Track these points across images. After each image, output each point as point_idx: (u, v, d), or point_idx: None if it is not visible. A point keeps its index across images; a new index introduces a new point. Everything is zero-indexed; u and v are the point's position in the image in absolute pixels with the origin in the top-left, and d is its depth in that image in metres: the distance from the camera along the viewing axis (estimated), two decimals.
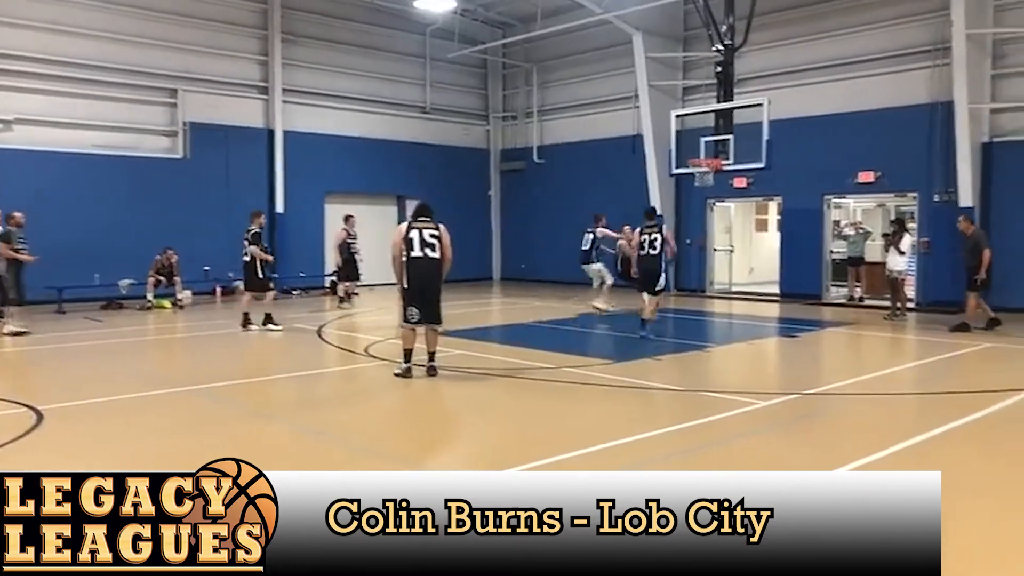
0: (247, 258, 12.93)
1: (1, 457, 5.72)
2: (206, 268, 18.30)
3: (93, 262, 16.68)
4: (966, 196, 14.96)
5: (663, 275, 11.85)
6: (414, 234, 8.49)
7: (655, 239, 11.60)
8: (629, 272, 13.46)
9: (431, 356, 8.68)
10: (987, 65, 15.24)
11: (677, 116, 15.31)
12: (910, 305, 15.00)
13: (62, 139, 17.03)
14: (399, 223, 13.01)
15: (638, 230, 11.97)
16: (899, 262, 14.01)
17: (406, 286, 8.49)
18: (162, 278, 16.30)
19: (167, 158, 18.47)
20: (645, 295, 11.63)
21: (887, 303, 14.59)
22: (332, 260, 17.49)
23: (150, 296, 16.10)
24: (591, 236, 15.79)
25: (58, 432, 6.44)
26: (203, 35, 18.93)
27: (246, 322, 12.62)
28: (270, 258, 13.26)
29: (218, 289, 18.35)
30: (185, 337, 13.10)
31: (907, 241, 14.12)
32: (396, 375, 8.57)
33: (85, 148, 17.24)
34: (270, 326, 12.44)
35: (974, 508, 4.67)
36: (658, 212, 14.52)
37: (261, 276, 12.84)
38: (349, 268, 16.65)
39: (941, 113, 15.35)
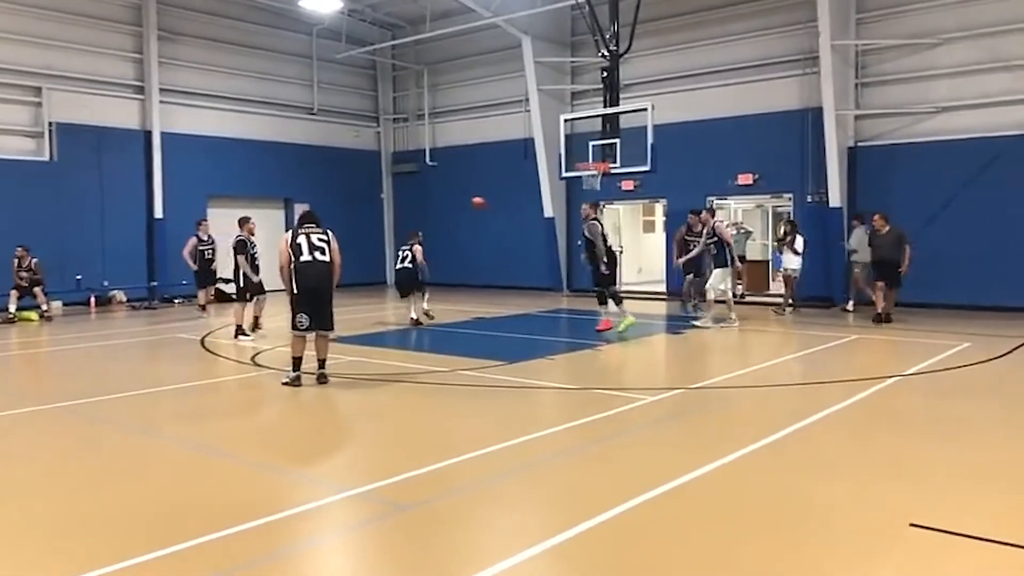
0: (235, 266, 12.26)
1: None
2: (78, 277, 17.26)
3: None
4: (835, 197, 15.90)
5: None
6: (302, 239, 8.28)
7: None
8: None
9: (321, 363, 8.47)
10: (851, 74, 16.25)
11: (566, 120, 15.54)
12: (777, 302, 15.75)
13: None
14: (286, 227, 12.60)
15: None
16: (794, 261, 14.81)
17: (295, 292, 8.25)
18: (27, 286, 15.16)
19: (32, 160, 17.29)
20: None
21: (768, 300, 15.33)
22: (189, 266, 16.23)
23: (12, 308, 14.99)
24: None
25: None
26: (70, 30, 17.84)
27: (254, 327, 12.48)
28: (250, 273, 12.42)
29: (92, 299, 17.32)
30: (53, 351, 12.26)
31: (800, 241, 14.92)
32: (284, 384, 8.33)
33: None
34: (240, 337, 11.96)
35: (841, 490, 4.94)
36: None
37: (243, 285, 12.20)
38: (206, 275, 15.51)
39: (812, 118, 16.26)
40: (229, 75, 20.54)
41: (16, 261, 15.25)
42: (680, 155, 16.83)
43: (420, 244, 14.00)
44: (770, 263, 18.84)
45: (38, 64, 17.36)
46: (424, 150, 23.32)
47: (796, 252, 14.86)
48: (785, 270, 15.07)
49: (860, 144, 16.31)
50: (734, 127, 17.44)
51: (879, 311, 13.27)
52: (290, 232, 8.51)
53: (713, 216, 13.58)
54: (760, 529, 4.33)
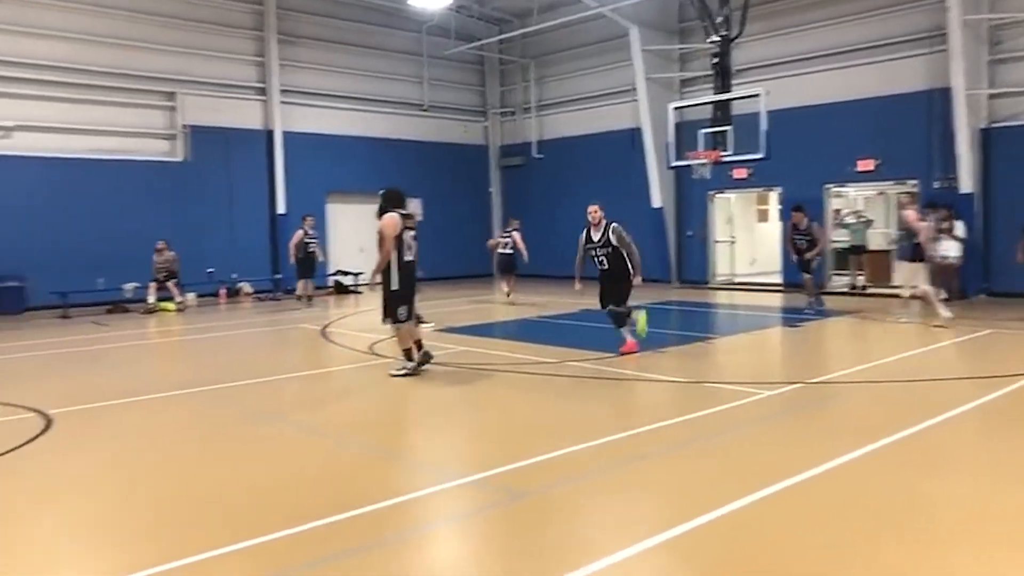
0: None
1: (12, 462, 5.77)
2: (209, 270, 18.36)
3: (97, 266, 16.76)
4: (967, 182, 14.98)
5: None
6: (407, 236, 8.58)
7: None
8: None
9: (419, 344, 8.79)
10: (984, 51, 15.23)
11: (675, 108, 15.29)
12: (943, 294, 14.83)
13: (62, 145, 17.09)
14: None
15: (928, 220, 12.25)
16: (955, 248, 13.93)
17: (396, 287, 8.53)
18: (166, 282, 16.31)
19: (167, 161, 18.51)
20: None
21: (891, 292, 14.55)
22: (291, 259, 17.39)
23: (151, 299, 16.14)
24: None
25: (66, 436, 6.48)
26: (200, 38, 18.96)
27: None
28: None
29: (222, 291, 18.40)
30: (188, 339, 13.13)
31: (961, 227, 14.08)
32: (393, 375, 8.60)
33: (86, 153, 17.31)
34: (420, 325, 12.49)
35: (970, 491, 4.70)
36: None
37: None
38: (307, 268, 16.76)
39: (939, 99, 15.34)
40: (344, 75, 21.30)
41: (156, 253, 16.40)
42: (796, 141, 16.26)
43: (518, 231, 15.06)
44: (892, 253, 17.90)
45: (173, 70, 18.55)
46: (531, 143, 23.46)
47: (957, 238, 13.99)
48: (945, 258, 14.05)
49: (995, 125, 15.27)
50: (854, 111, 16.67)
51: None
52: (397, 219, 8.54)
53: (804, 214, 13.53)
54: (884, 529, 4.17)
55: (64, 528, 4.53)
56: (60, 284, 15.61)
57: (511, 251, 15.33)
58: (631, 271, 9.45)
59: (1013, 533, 4.08)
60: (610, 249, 9.38)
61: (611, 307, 9.59)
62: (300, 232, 16.83)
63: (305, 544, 4.14)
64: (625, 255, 9.41)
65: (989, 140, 15.28)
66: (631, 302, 9.75)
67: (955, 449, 5.73)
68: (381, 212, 8.65)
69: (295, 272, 17.11)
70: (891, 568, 3.74)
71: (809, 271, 13.84)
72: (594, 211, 9.63)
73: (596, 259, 9.55)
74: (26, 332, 13.42)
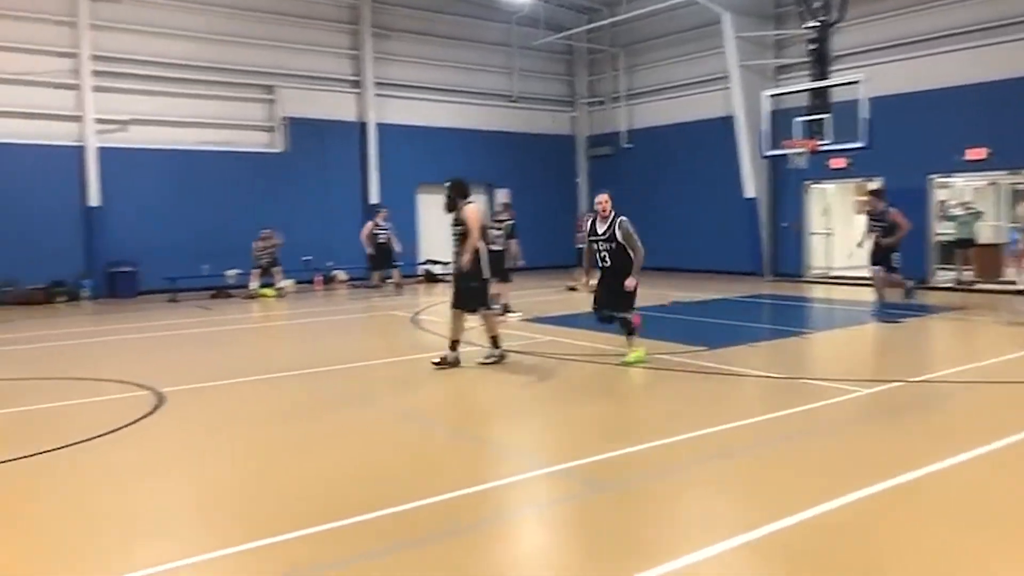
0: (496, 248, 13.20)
1: (129, 434, 6.17)
2: (306, 258, 19.01)
3: (202, 253, 17.63)
4: None
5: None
6: (490, 229, 8.73)
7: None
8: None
9: (493, 341, 8.92)
10: None
11: (770, 96, 14.88)
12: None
13: (171, 137, 18.02)
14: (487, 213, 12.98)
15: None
16: None
17: (487, 277, 8.66)
18: (269, 268, 16.98)
19: (267, 152, 19.25)
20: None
21: (1002, 287, 13.81)
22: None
23: (254, 285, 16.86)
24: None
25: (178, 413, 6.88)
26: (296, 32, 19.60)
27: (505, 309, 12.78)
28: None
29: (319, 278, 19.03)
30: (287, 324, 13.68)
31: None
32: (482, 363, 8.73)
33: (193, 145, 18.18)
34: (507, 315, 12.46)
35: None
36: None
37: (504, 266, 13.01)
38: (380, 258, 17.03)
39: None
40: (435, 67, 21.62)
41: (261, 242, 17.07)
42: (899, 129, 15.57)
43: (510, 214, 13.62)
44: (1000, 247, 16.95)
45: (271, 64, 19.25)
46: (619, 132, 23.27)
47: None
48: None
49: None
50: (963, 97, 15.81)
51: None
52: (481, 211, 8.87)
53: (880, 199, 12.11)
54: (988, 539, 3.99)
55: (159, 503, 4.79)
56: (169, 270, 16.52)
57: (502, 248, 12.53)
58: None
59: None
60: (614, 244, 8.53)
61: (612, 313, 8.61)
62: (370, 224, 17.20)
63: (388, 528, 4.25)
64: (629, 253, 8.52)
65: None
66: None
67: None
68: (451, 203, 8.70)
69: (368, 263, 17.51)
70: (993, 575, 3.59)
71: (884, 263, 12.03)
72: (602, 201, 8.79)
73: (598, 253, 8.68)
74: (138, 315, 14.25)
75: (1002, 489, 4.68)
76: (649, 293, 15.70)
